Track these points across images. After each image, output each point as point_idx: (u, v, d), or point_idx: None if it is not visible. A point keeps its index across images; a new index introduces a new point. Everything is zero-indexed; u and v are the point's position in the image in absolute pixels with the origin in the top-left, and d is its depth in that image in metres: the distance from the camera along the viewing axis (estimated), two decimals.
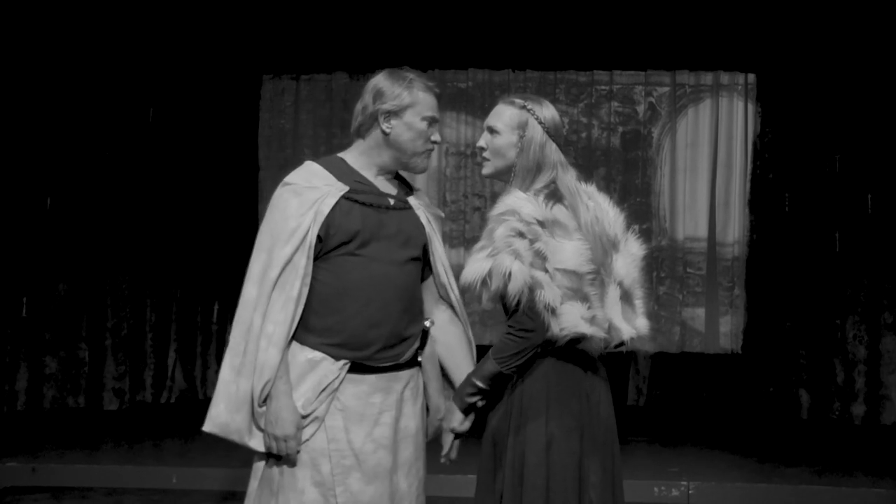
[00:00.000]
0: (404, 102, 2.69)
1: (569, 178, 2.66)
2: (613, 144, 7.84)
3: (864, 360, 7.20)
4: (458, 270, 2.67)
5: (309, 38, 7.58)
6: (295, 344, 2.66)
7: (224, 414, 2.64)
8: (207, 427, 2.67)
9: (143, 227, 7.48)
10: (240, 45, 7.60)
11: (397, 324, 2.70)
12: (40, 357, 7.21)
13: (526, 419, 2.58)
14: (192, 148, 7.65)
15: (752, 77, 7.66)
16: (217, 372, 8.52)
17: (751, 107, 7.68)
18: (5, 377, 7.06)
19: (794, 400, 7.33)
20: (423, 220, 2.83)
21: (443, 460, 2.79)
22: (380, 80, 2.73)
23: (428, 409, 2.89)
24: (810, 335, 7.30)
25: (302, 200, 2.65)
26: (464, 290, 2.70)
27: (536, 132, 2.66)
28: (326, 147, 7.79)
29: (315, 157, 2.88)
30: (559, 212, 2.58)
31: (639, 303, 2.70)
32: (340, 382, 2.66)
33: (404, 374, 2.76)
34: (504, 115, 2.70)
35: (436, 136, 2.77)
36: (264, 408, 2.62)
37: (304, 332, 2.66)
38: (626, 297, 2.66)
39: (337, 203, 2.66)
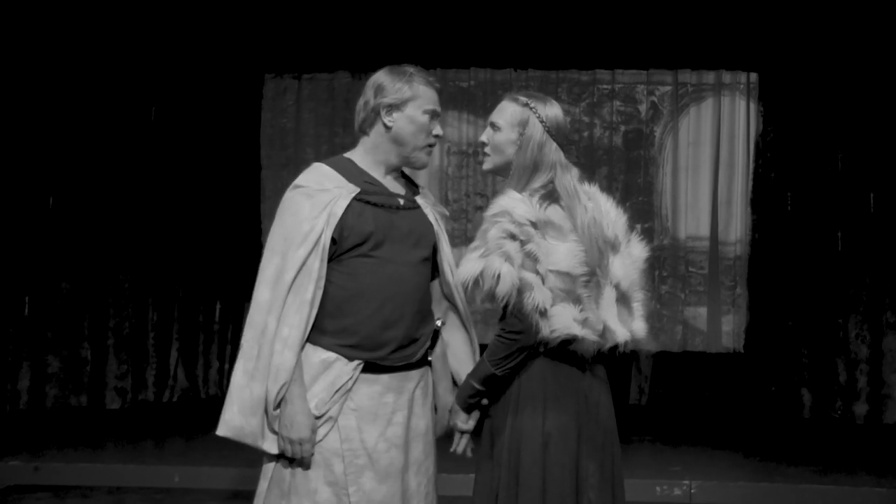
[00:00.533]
0: (405, 96, 2.70)
1: (567, 180, 2.64)
2: (615, 143, 7.84)
3: (866, 359, 7.20)
4: None
5: (311, 38, 7.58)
6: (308, 345, 2.65)
7: (238, 418, 2.62)
8: (221, 431, 2.65)
9: (146, 226, 7.49)
10: (242, 44, 7.60)
11: (411, 324, 2.71)
12: (43, 356, 7.22)
13: (523, 418, 2.58)
14: (194, 147, 7.65)
15: (754, 76, 7.66)
16: (219, 371, 8.55)
17: (753, 106, 7.67)
18: (8, 376, 7.06)
19: (797, 399, 7.33)
20: (432, 219, 2.83)
21: (453, 449, 2.79)
22: (380, 76, 2.74)
23: (436, 408, 2.90)
24: (812, 334, 7.30)
25: (314, 203, 2.64)
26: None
27: (536, 131, 2.65)
28: (328, 146, 7.79)
29: (319, 158, 2.88)
30: (553, 213, 2.57)
31: (637, 305, 2.68)
32: (354, 383, 2.66)
33: (415, 374, 2.77)
34: (506, 111, 2.70)
35: (437, 130, 2.77)
36: (278, 411, 2.61)
37: (317, 333, 2.65)
38: (622, 300, 2.65)
39: (349, 205, 2.66)
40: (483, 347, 2.82)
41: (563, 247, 2.53)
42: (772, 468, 5.72)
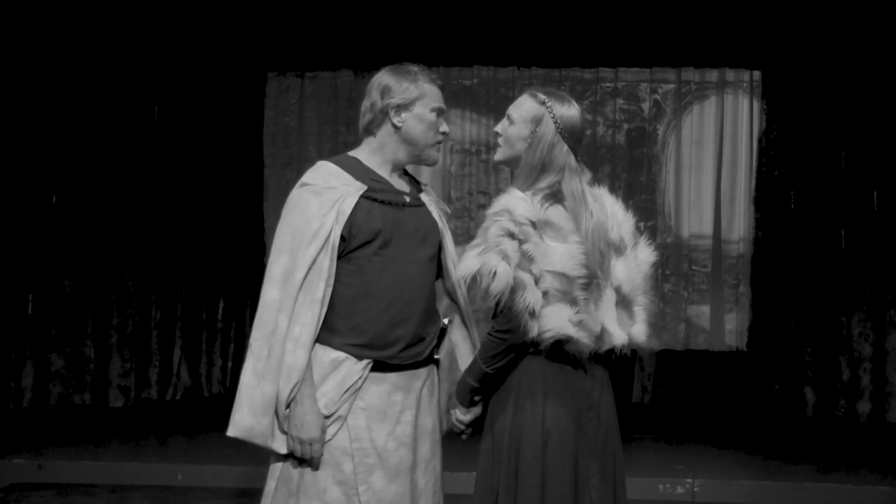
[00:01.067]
0: (412, 95, 2.70)
1: (576, 184, 2.62)
2: (618, 141, 7.84)
3: (869, 357, 7.19)
4: None
5: (313, 36, 7.58)
6: (317, 345, 2.64)
7: (248, 418, 2.61)
8: (232, 432, 2.64)
9: (149, 224, 7.49)
10: (244, 42, 7.60)
11: (419, 323, 2.71)
12: (46, 354, 7.23)
13: (523, 416, 2.58)
14: (196, 145, 7.66)
15: (757, 74, 7.65)
16: (222, 369, 8.56)
17: (756, 104, 7.66)
18: (11, 374, 7.08)
19: (800, 397, 7.32)
20: (436, 216, 2.84)
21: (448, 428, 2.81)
22: (384, 77, 2.74)
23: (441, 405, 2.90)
24: (816, 332, 7.29)
25: (322, 201, 2.64)
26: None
27: (548, 130, 2.63)
28: (331, 144, 7.79)
29: (322, 157, 2.88)
30: (554, 213, 2.56)
31: (638, 309, 2.67)
32: (363, 382, 2.66)
33: (422, 372, 2.78)
34: (523, 106, 2.68)
35: (444, 127, 2.78)
36: (289, 410, 2.60)
37: (326, 333, 2.65)
38: (623, 303, 2.64)
39: (357, 203, 2.65)
40: None
41: (562, 248, 2.52)
42: (775, 466, 5.71)
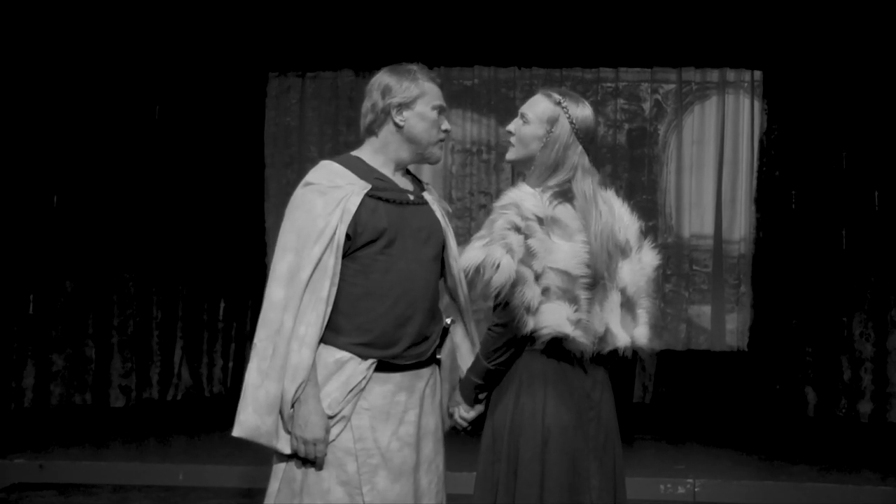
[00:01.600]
0: (413, 94, 2.71)
1: (587, 184, 2.62)
2: (619, 142, 7.84)
3: (870, 357, 7.19)
4: None
5: (314, 36, 7.59)
6: (321, 345, 2.64)
7: (253, 418, 2.61)
8: (237, 432, 2.63)
9: (150, 224, 7.49)
10: (245, 42, 7.60)
11: (423, 322, 2.72)
12: (47, 354, 7.23)
13: (523, 414, 2.58)
14: (197, 145, 7.66)
15: (758, 74, 7.65)
16: (223, 369, 8.56)
17: (757, 104, 7.66)
18: (12, 374, 7.08)
19: (801, 397, 7.32)
20: (439, 215, 2.84)
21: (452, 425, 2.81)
22: (384, 77, 2.74)
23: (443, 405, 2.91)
24: (817, 332, 7.29)
25: (327, 200, 2.64)
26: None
27: (564, 131, 2.63)
28: (332, 144, 7.79)
29: (323, 156, 2.87)
30: (562, 211, 2.56)
31: (641, 312, 2.68)
32: (367, 382, 2.65)
33: (425, 372, 2.78)
34: (538, 105, 2.68)
35: (445, 125, 2.78)
36: (293, 410, 2.60)
37: (331, 332, 2.64)
38: (627, 305, 2.64)
39: (362, 201, 2.65)
40: None
41: (567, 246, 2.53)
42: (776, 467, 5.71)
